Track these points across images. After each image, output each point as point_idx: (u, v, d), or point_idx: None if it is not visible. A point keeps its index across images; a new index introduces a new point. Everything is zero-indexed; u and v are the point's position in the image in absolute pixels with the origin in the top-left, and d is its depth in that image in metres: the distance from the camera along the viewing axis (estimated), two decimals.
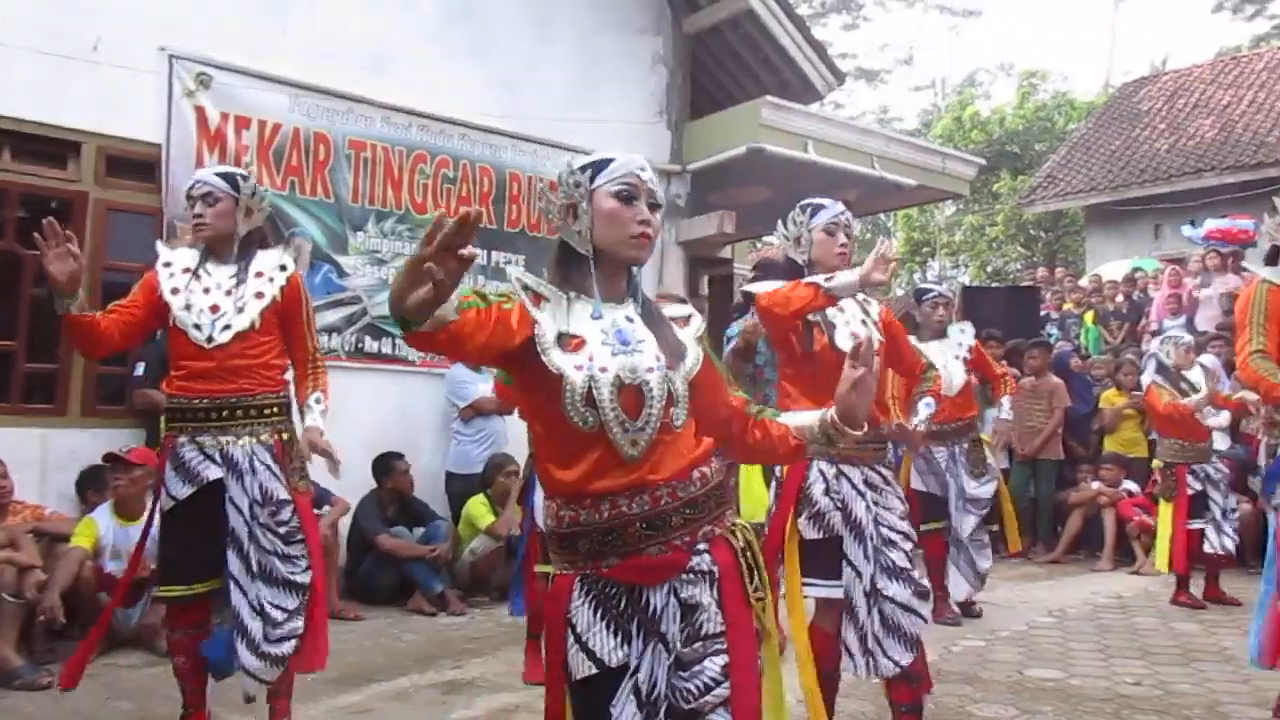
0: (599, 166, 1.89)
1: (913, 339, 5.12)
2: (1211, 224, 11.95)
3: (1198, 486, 5.83)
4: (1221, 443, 7.76)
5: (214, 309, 3.18)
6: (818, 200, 3.21)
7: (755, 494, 4.83)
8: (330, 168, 6.25)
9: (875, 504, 3.07)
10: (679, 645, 1.80)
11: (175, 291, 3.18)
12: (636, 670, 1.77)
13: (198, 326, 3.15)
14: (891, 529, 3.07)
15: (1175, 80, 17.96)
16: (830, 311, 3.10)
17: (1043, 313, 10.90)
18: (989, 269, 22.65)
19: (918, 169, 8.66)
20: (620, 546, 1.79)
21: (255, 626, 3.11)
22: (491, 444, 6.26)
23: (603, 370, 1.79)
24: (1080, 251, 18.01)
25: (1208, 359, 6.31)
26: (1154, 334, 9.47)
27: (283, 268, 3.34)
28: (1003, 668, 4.41)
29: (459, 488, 6.24)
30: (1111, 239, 15.49)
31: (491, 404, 6.26)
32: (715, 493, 1.89)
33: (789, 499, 3.06)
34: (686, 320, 2.02)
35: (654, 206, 1.91)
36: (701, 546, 1.84)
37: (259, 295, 3.25)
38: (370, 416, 6.17)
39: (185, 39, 5.68)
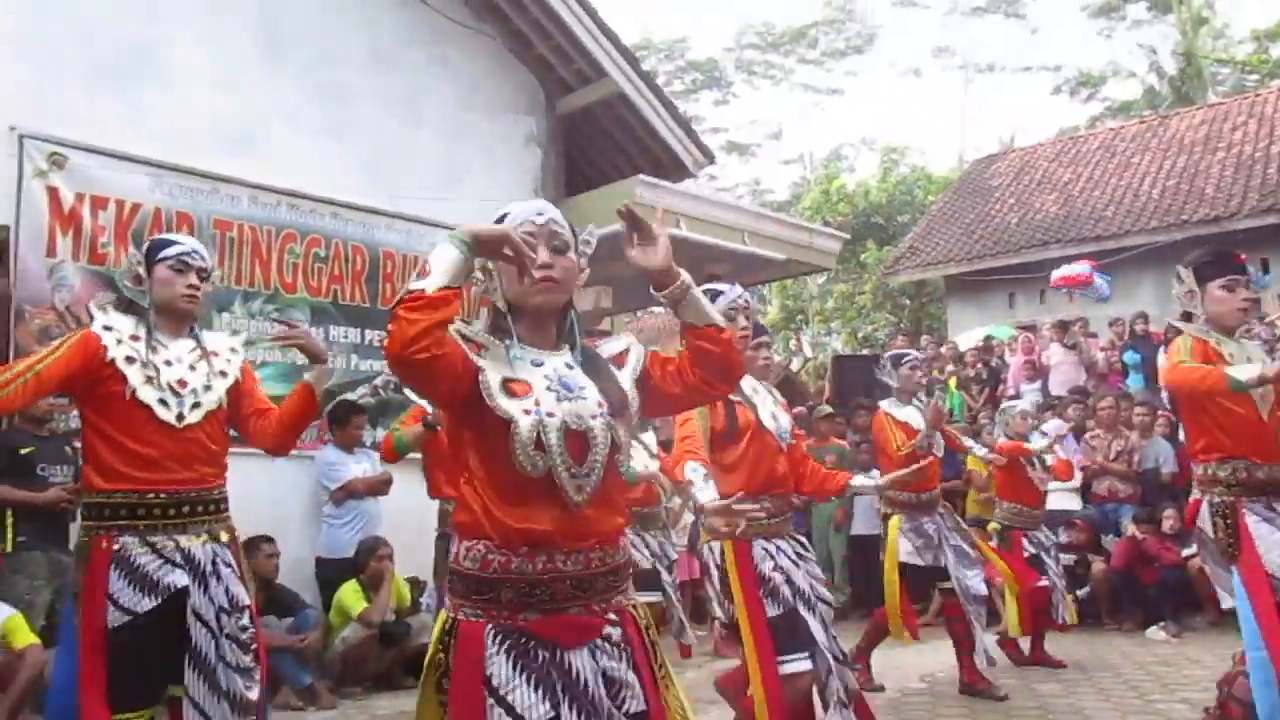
0: (498, 222, 1.91)
1: (891, 402, 5.49)
2: (1056, 274, 13.01)
3: (1032, 550, 6.14)
4: (1073, 503, 8.20)
5: (181, 384, 2.88)
6: (715, 286, 3.25)
7: None
8: None
9: (808, 574, 3.21)
10: (612, 701, 1.77)
11: (130, 360, 2.82)
12: None
13: (164, 403, 2.82)
14: (824, 600, 3.23)
15: (1021, 157, 19.21)
16: (746, 388, 3.23)
17: None
18: (859, 335, 23.45)
19: (786, 244, 8.98)
20: (545, 602, 1.77)
21: None
22: (363, 527, 6.10)
23: (550, 415, 1.80)
24: (942, 319, 18.88)
25: (1052, 425, 6.72)
26: (1011, 398, 9.98)
27: (234, 350, 3.16)
28: None
29: (329, 573, 6.04)
30: (969, 307, 16.31)
31: (363, 485, 6.13)
32: (629, 565, 1.93)
33: (749, 581, 3.11)
34: (625, 354, 2.05)
35: (559, 250, 1.93)
36: (613, 617, 1.85)
37: (223, 374, 3.03)
38: (237, 502, 5.90)
39: (37, 118, 5.49)
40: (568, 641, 1.77)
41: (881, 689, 5.44)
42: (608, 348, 2.08)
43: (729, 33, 34.15)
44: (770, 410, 3.30)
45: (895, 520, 5.37)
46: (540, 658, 1.74)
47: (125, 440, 2.79)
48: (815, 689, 3.14)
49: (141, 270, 2.96)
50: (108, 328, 2.88)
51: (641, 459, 5.19)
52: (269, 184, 6.42)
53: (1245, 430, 3.24)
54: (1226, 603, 3.38)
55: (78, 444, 5.38)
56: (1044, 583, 6.05)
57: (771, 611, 3.09)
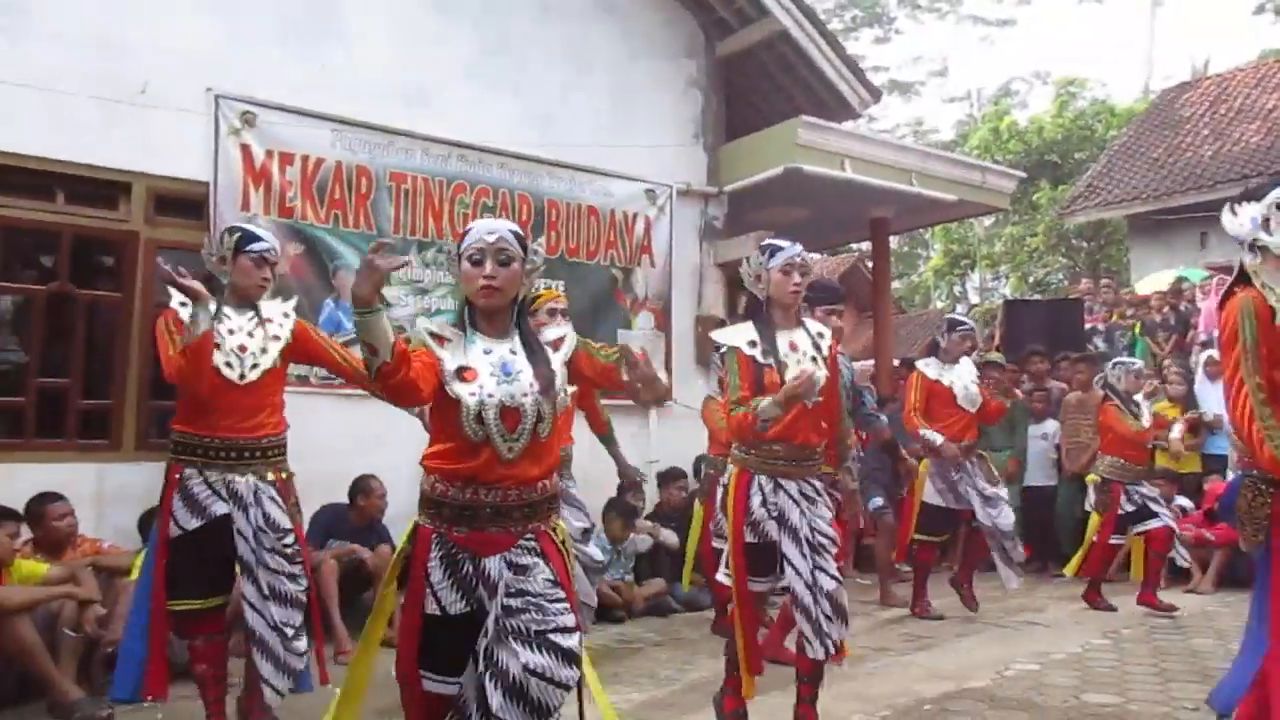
0: (462, 238, 2.52)
1: (931, 360, 6.14)
2: None
3: (1130, 507, 6.22)
4: None
5: (241, 349, 3.51)
6: (776, 241, 3.58)
7: None
8: (372, 201, 6.35)
9: (809, 511, 3.52)
10: (508, 590, 2.38)
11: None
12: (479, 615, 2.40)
13: (229, 364, 3.46)
14: (823, 534, 3.51)
15: (1218, 85, 17.67)
16: (784, 350, 3.50)
17: (1088, 325, 10.74)
18: (1030, 280, 22.38)
19: (956, 184, 8.60)
20: (471, 521, 2.43)
21: (274, 641, 3.45)
22: None
23: (490, 396, 2.42)
24: (1124, 261, 17.75)
25: None
26: (1202, 345, 9.31)
27: (286, 315, 3.74)
28: (1058, 693, 4.33)
29: None
30: (1155, 248, 15.24)
31: None
32: (550, 501, 2.55)
33: (739, 508, 3.53)
34: (560, 341, 2.63)
35: (503, 263, 2.47)
36: (529, 536, 2.47)
37: (276, 338, 3.64)
38: (415, 444, 6.19)
39: (230, 79, 5.82)
40: (483, 551, 2.43)
41: (941, 616, 6.07)
42: (547, 334, 2.65)
43: None
44: (802, 368, 3.44)
45: (924, 464, 6.12)
46: (465, 567, 2.42)
47: (197, 394, 3.42)
48: (791, 603, 3.53)
49: (230, 255, 3.56)
50: (183, 304, 3.44)
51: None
52: (441, 136, 6.60)
53: None
54: None
55: None
56: (1154, 525, 6.20)
57: (748, 538, 3.52)
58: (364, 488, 5.71)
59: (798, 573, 3.46)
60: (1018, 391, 7.80)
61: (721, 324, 6.83)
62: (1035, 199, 20.80)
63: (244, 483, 3.48)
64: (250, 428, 3.52)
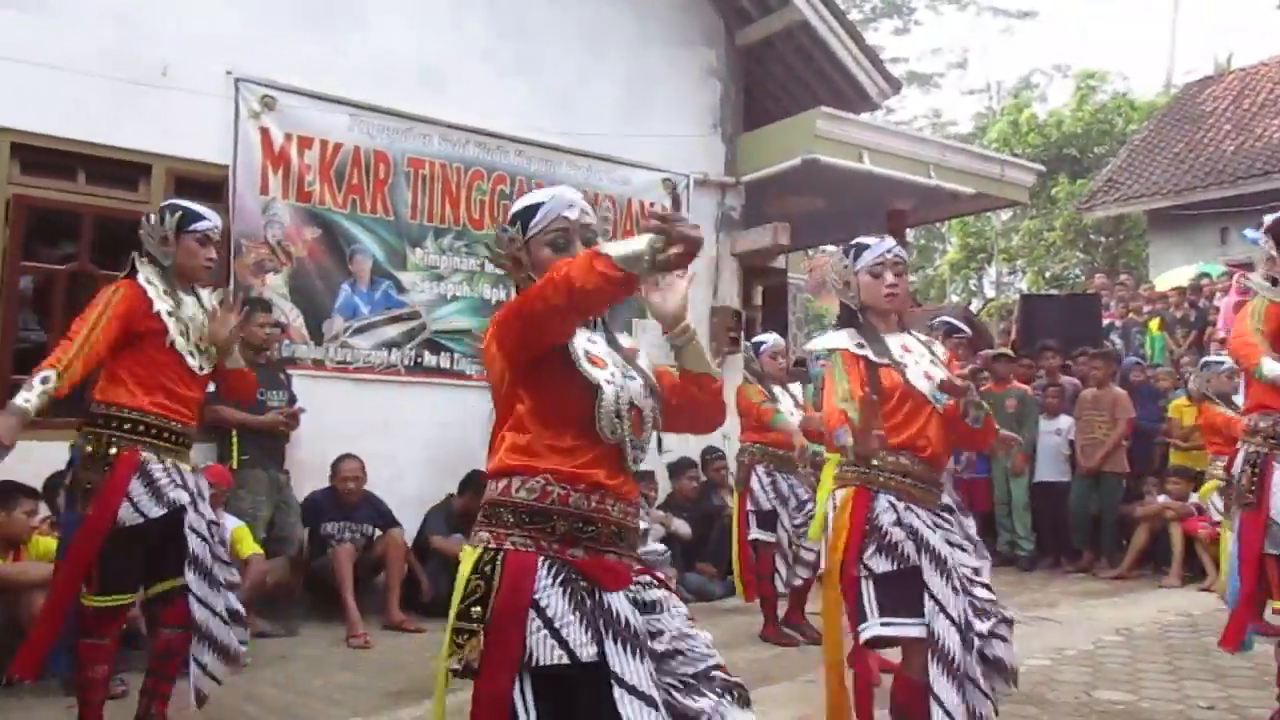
0: (531, 211, 2.01)
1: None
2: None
3: None
4: None
5: (200, 340, 3.36)
6: (862, 240, 3.06)
7: None
8: (390, 186, 6.36)
9: (949, 542, 2.83)
10: (651, 639, 1.86)
11: (171, 315, 3.28)
12: (618, 674, 1.77)
13: (191, 354, 3.32)
14: (969, 568, 2.86)
15: (1241, 79, 17.51)
16: (897, 352, 2.94)
17: (1105, 321, 10.68)
18: (1047, 275, 22.24)
19: (975, 176, 8.55)
20: (591, 540, 1.88)
21: (223, 633, 3.34)
22: None
23: (622, 389, 1.94)
24: (1143, 257, 17.64)
25: None
26: (1220, 342, 9.25)
27: (215, 305, 3.53)
28: (1069, 689, 4.32)
29: None
30: (1175, 244, 15.14)
31: None
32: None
33: (856, 530, 2.83)
34: (635, 350, 2.12)
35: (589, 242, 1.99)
36: (638, 568, 1.99)
37: None
38: (428, 430, 6.26)
39: (250, 63, 5.83)
40: (607, 584, 1.87)
41: None
42: (625, 341, 2.15)
43: None
44: (923, 370, 2.94)
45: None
46: (587, 601, 1.83)
47: (159, 377, 3.25)
48: (933, 658, 2.65)
49: (172, 235, 3.32)
50: (149, 281, 3.29)
51: (787, 407, 5.30)
52: (458, 122, 6.60)
53: None
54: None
55: (291, 371, 5.81)
56: None
57: (883, 567, 2.76)
58: (334, 468, 5.72)
59: (943, 610, 2.68)
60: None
61: (737, 315, 6.81)
62: (1054, 193, 20.66)
63: (190, 473, 3.36)
64: (192, 416, 3.38)
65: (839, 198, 8.44)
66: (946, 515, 2.95)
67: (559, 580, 1.82)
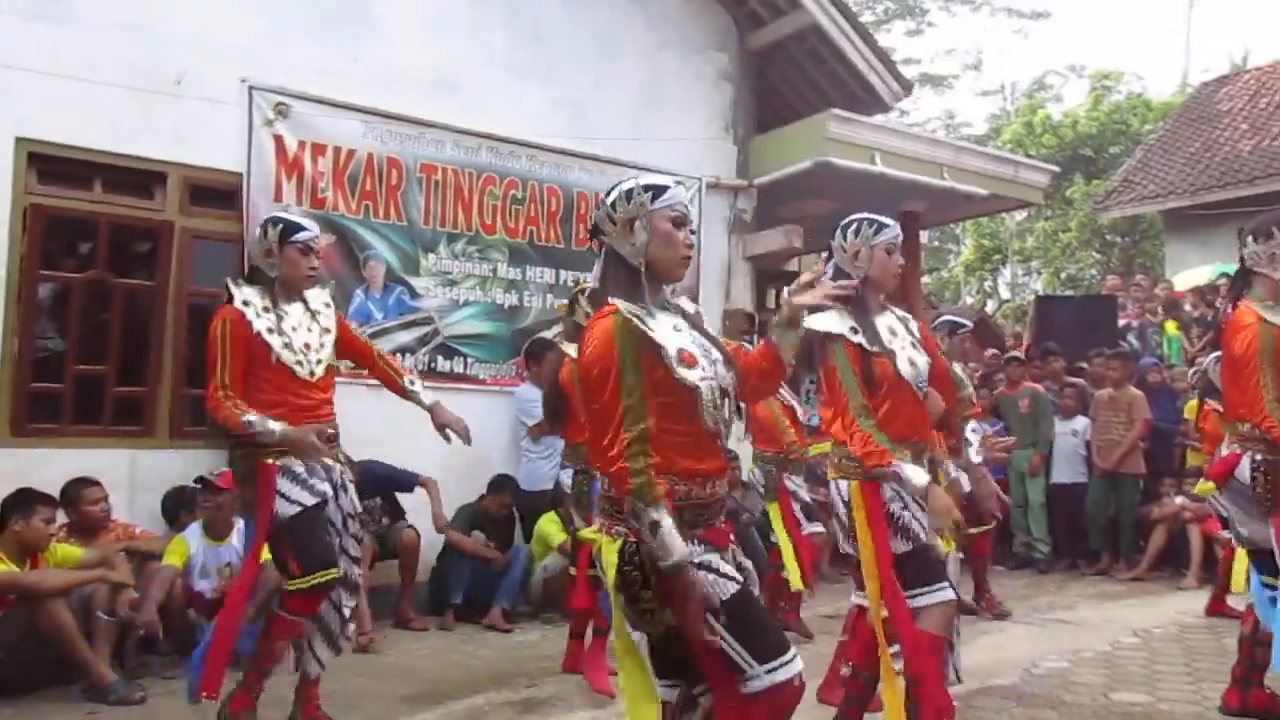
0: (655, 194, 2.21)
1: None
2: None
3: None
4: None
5: (306, 346, 3.53)
6: (881, 218, 3.18)
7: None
8: (402, 191, 6.39)
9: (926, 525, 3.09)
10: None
11: (271, 331, 3.46)
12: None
13: (299, 364, 3.49)
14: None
15: (1258, 78, 17.36)
16: (885, 336, 3.09)
17: (1121, 322, 10.61)
18: (1063, 276, 22.14)
19: (989, 178, 8.51)
20: (706, 519, 2.21)
21: (334, 620, 3.60)
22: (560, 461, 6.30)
23: (711, 378, 2.17)
24: (1159, 257, 17.51)
25: None
26: None
27: (327, 304, 3.74)
28: (1087, 690, 4.29)
29: (529, 505, 6.30)
30: (1192, 244, 15.02)
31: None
32: None
33: (878, 522, 3.01)
34: (699, 315, 2.36)
35: (694, 231, 2.29)
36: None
37: (327, 330, 3.65)
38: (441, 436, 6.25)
39: (264, 71, 5.87)
40: (723, 544, 2.24)
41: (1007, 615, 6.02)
42: (688, 305, 2.37)
43: None
44: (908, 356, 3.11)
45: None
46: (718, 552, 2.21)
47: (274, 392, 3.45)
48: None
49: (275, 247, 3.51)
50: (246, 303, 3.46)
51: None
52: (471, 128, 6.63)
53: None
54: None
55: None
56: None
57: (901, 548, 3.01)
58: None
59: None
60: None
61: (750, 318, 6.80)
62: (1069, 194, 20.56)
63: (336, 468, 3.60)
64: (325, 415, 3.59)
65: (852, 200, 8.36)
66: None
67: (696, 539, 2.16)
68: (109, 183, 5.52)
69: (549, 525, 5.99)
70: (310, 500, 3.45)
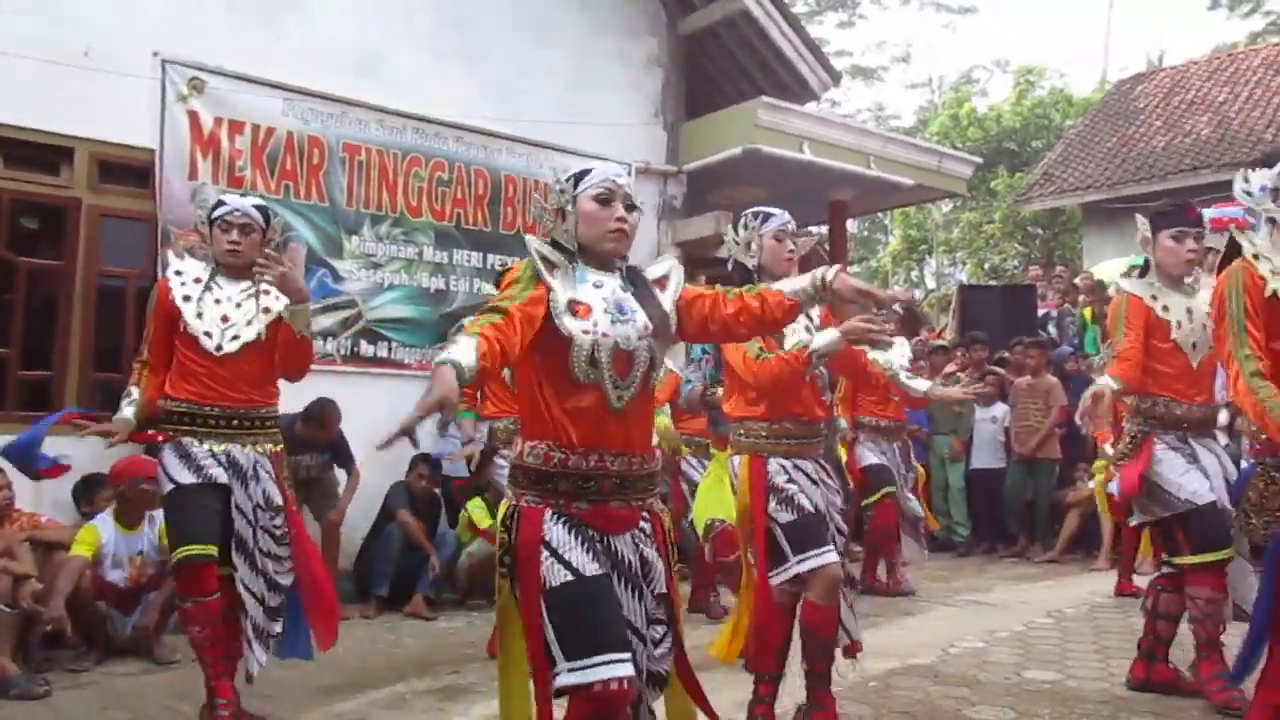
0: (578, 177, 2.26)
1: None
2: (1211, 213, 11.98)
3: None
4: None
5: (224, 319, 3.43)
6: (767, 209, 3.39)
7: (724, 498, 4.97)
8: (325, 172, 6.25)
9: (825, 496, 3.28)
10: (646, 595, 2.19)
11: (187, 299, 3.41)
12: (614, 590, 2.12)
13: (208, 334, 3.39)
14: (836, 527, 3.32)
15: (1172, 77, 17.93)
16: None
17: (1041, 311, 10.88)
18: (986, 266, 22.63)
19: (914, 168, 8.66)
20: (594, 494, 2.14)
21: (259, 615, 3.45)
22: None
23: (604, 336, 2.14)
24: (1078, 249, 18.00)
25: None
26: None
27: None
28: (1001, 669, 4.39)
29: (452, 489, 6.23)
30: (1109, 236, 15.46)
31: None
32: (658, 474, 2.30)
33: (759, 490, 3.21)
34: (666, 279, 2.37)
35: (631, 207, 2.26)
36: (645, 515, 2.24)
37: (266, 310, 3.50)
38: (365, 420, 6.14)
39: (178, 45, 5.68)
40: (612, 529, 2.16)
41: (912, 591, 6.18)
42: (653, 270, 2.38)
43: None
44: (799, 337, 3.20)
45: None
46: (592, 537, 2.12)
47: (185, 363, 3.40)
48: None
49: (204, 228, 3.54)
50: (178, 273, 3.48)
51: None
52: (395, 108, 6.50)
53: (1173, 374, 3.69)
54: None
55: None
56: None
57: (786, 517, 3.17)
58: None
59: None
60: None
61: None
62: (993, 186, 21.01)
63: (244, 455, 3.44)
64: (241, 398, 3.45)
65: (780, 187, 8.48)
66: (825, 466, 3.38)
67: (561, 521, 2.11)
68: (12, 158, 5.31)
69: (476, 510, 5.93)
70: (189, 479, 3.35)
